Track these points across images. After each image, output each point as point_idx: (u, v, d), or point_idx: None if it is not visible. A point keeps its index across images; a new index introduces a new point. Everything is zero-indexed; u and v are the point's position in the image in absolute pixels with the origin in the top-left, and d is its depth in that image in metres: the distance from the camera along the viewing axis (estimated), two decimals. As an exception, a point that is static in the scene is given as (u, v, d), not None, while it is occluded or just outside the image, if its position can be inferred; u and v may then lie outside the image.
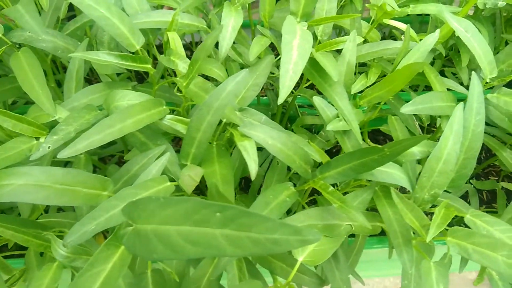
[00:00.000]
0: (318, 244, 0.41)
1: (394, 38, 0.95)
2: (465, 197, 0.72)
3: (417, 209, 0.39)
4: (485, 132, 0.67)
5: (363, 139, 0.86)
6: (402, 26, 0.62)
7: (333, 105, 0.49)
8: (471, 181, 0.72)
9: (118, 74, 0.74)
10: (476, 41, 0.50)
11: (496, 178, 0.79)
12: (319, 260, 0.40)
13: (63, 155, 0.39)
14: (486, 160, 0.79)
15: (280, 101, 0.42)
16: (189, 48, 1.04)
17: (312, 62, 0.52)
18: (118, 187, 0.43)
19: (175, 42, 0.55)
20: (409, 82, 0.64)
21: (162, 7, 0.65)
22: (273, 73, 0.67)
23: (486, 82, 0.53)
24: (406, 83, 0.52)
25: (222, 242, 0.29)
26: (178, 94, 0.47)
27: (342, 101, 0.49)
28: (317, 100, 0.49)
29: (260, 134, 0.43)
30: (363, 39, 0.67)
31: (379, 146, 0.39)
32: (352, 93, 0.58)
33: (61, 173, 0.39)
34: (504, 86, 0.53)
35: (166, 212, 0.30)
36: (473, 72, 0.46)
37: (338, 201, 0.41)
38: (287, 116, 0.75)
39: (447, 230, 0.42)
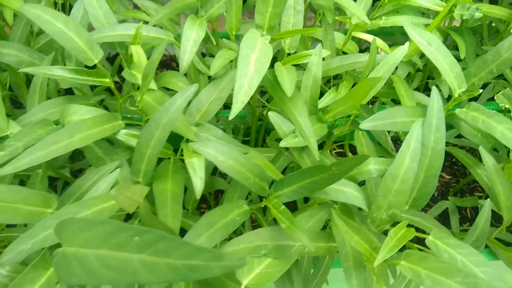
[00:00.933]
0: (266, 266, 0.39)
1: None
2: (446, 215, 0.70)
3: (364, 231, 0.37)
4: (461, 147, 0.65)
5: (345, 153, 0.84)
6: (371, 38, 0.60)
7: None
8: (449, 198, 0.69)
9: (95, 87, 0.74)
10: (440, 54, 0.48)
11: (482, 194, 0.76)
12: (266, 283, 0.38)
13: (4, 171, 0.39)
14: (470, 175, 0.76)
15: (231, 116, 0.41)
16: (175, 60, 1.04)
17: (275, 76, 0.51)
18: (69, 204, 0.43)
19: (139, 55, 0.54)
20: (382, 95, 0.62)
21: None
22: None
23: (458, 96, 0.51)
24: (365, 98, 0.50)
25: (138, 267, 0.28)
26: (132, 108, 0.47)
27: (301, 116, 0.47)
28: (272, 115, 0.47)
29: (210, 151, 0.42)
30: (334, 52, 0.66)
31: (327, 165, 0.38)
32: (319, 107, 0.56)
33: (3, 190, 0.39)
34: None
35: (86, 234, 0.29)
36: (433, 86, 0.44)
37: (287, 220, 0.39)
38: (263, 129, 0.73)
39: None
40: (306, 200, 0.70)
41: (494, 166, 0.43)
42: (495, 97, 0.60)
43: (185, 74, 0.67)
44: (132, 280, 0.28)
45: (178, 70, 0.55)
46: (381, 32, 0.88)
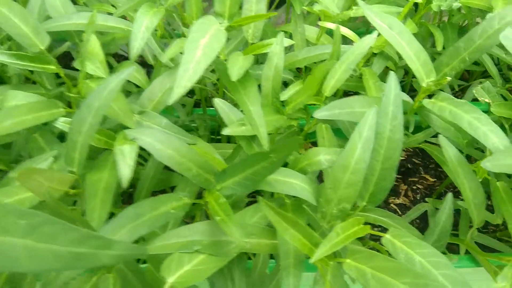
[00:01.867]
0: (198, 263, 0.36)
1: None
2: (425, 217, 0.65)
3: (302, 225, 0.33)
4: (434, 144, 0.61)
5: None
6: (344, 30, 0.57)
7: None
8: (426, 199, 0.65)
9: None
10: (404, 39, 0.45)
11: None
12: (195, 280, 0.34)
13: None
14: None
15: (170, 101, 0.38)
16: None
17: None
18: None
19: (93, 44, 0.52)
20: (352, 88, 0.59)
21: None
22: (209, 78, 0.64)
23: (427, 86, 0.47)
24: (324, 87, 0.47)
25: (20, 253, 0.25)
26: (72, 94, 0.44)
27: (253, 105, 0.44)
28: (218, 102, 0.44)
29: (146, 138, 0.39)
30: (305, 44, 0.63)
31: (266, 151, 0.34)
32: (282, 99, 0.53)
33: None
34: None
35: (-29, 217, 0.26)
36: (390, 72, 0.40)
37: (222, 213, 0.36)
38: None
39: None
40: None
41: (456, 158, 0.39)
42: (474, 92, 0.56)
43: (151, 67, 0.65)
44: (12, 266, 0.24)
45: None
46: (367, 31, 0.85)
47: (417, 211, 0.63)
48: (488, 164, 0.35)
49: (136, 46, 0.49)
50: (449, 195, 0.40)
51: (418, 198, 0.71)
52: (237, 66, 0.43)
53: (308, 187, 0.39)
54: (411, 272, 0.32)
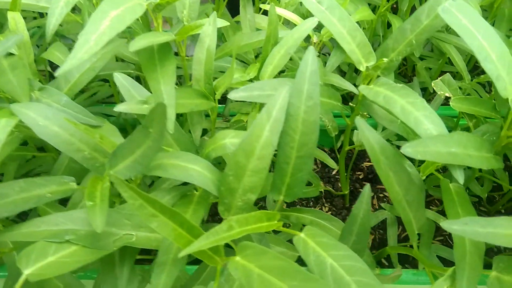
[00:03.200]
0: (67, 254, 0.31)
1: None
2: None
3: (180, 216, 0.28)
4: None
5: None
6: (288, 14, 0.53)
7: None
8: (382, 205, 0.58)
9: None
10: (335, 15, 0.40)
11: (440, 208, 0.65)
12: (56, 273, 0.29)
13: None
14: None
15: (57, 73, 0.34)
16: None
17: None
18: None
19: (16, 22, 0.49)
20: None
21: None
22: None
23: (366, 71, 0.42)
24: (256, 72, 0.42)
25: None
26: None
27: (167, 85, 0.40)
28: (118, 77, 0.40)
29: (30, 113, 0.35)
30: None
31: (144, 125, 0.30)
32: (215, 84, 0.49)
33: None
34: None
35: None
36: (309, 46, 0.35)
37: (98, 199, 0.31)
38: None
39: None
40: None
41: (379, 145, 0.33)
42: (432, 84, 0.50)
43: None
44: None
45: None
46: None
47: (375, 219, 0.57)
48: (409, 149, 0.30)
49: (53, 23, 0.45)
50: (367, 187, 0.34)
51: (383, 207, 0.64)
52: (145, 40, 0.39)
53: (209, 174, 0.34)
54: (300, 274, 0.27)
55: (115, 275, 0.35)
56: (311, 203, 0.67)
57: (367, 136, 0.33)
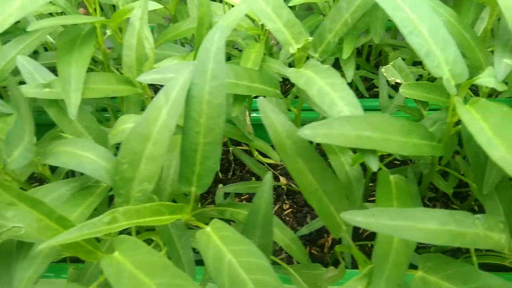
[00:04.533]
0: None
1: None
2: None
3: (44, 204, 0.25)
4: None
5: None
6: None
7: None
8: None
9: None
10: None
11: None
12: None
13: None
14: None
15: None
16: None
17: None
18: None
19: None
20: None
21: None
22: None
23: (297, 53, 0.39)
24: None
25: None
26: None
27: (78, 68, 0.37)
28: (20, 59, 0.37)
29: None
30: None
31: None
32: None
33: None
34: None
35: None
36: (218, 23, 0.32)
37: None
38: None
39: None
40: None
41: (284, 127, 0.29)
42: (382, 70, 0.46)
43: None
44: None
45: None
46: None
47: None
48: (307, 131, 0.26)
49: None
50: (268, 174, 0.31)
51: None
52: (48, 22, 0.36)
53: (104, 162, 0.31)
54: (170, 270, 0.24)
55: (10, 271, 0.32)
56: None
57: (270, 119, 0.29)
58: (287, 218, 0.61)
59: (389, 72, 0.46)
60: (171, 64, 0.36)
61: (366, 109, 0.68)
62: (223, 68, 0.31)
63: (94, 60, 0.68)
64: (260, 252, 0.28)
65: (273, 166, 0.70)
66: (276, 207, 0.63)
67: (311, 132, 0.26)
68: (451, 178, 0.55)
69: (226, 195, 0.57)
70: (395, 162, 0.68)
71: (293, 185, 0.67)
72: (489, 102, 0.31)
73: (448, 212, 0.28)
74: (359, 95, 0.73)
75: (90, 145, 0.32)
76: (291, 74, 0.37)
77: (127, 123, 0.34)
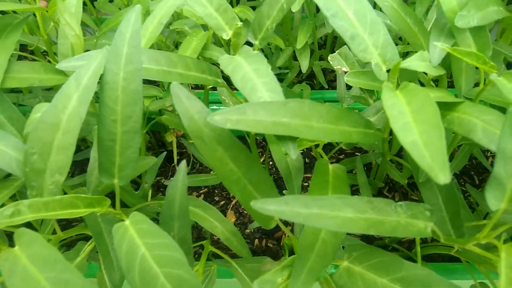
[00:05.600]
0: None
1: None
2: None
3: None
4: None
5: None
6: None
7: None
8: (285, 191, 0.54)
9: None
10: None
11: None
12: None
13: None
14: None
15: None
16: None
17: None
18: None
19: None
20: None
21: None
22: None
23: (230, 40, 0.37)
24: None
25: None
26: None
27: (2, 55, 0.35)
28: None
29: None
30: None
31: None
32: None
33: None
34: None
35: None
36: (136, 5, 0.31)
37: None
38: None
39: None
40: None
41: (200, 113, 0.28)
42: (329, 59, 0.45)
43: None
44: None
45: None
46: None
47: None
48: (217, 117, 0.25)
49: None
50: (182, 163, 0.29)
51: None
52: None
53: (14, 153, 0.30)
54: (59, 264, 0.22)
55: None
56: (216, 191, 0.62)
57: (184, 105, 0.28)
58: (244, 212, 0.60)
59: (335, 61, 0.45)
60: (93, 51, 0.35)
61: (326, 101, 0.68)
62: (138, 52, 0.29)
63: (43, 53, 0.66)
64: (176, 245, 0.27)
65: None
66: (234, 201, 0.62)
67: (222, 117, 0.25)
68: (405, 168, 0.55)
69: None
70: (357, 154, 0.68)
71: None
72: (418, 87, 0.30)
73: (367, 200, 0.27)
74: (320, 87, 0.72)
75: (1, 135, 0.30)
76: (221, 61, 0.35)
77: (40, 112, 0.32)
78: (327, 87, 0.69)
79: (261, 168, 0.31)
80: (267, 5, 0.39)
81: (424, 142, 0.23)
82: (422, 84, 0.53)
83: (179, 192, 0.29)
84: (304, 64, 0.56)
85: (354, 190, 0.61)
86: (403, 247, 0.52)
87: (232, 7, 0.61)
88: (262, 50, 0.72)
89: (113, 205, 0.32)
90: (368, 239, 0.55)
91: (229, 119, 0.25)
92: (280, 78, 0.74)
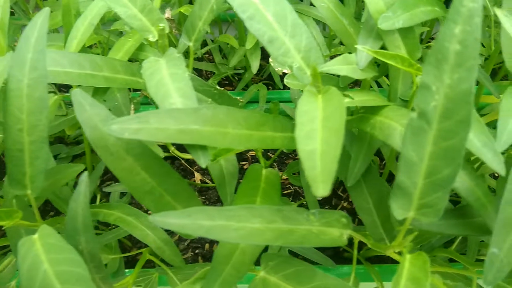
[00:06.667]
0: None
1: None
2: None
3: None
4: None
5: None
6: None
7: None
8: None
9: None
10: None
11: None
12: None
13: None
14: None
15: None
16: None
17: None
18: None
19: None
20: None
21: None
22: None
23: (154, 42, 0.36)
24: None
25: None
26: None
27: None
28: None
29: None
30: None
31: None
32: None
33: None
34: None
35: None
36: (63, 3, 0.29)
37: None
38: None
39: None
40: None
41: (102, 119, 0.26)
42: (270, 60, 0.44)
43: None
44: None
45: None
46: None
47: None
48: (115, 126, 0.24)
49: None
50: (83, 175, 0.28)
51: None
52: None
53: None
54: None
55: None
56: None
57: (87, 113, 0.27)
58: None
59: (276, 62, 0.44)
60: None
61: (284, 101, 0.67)
62: (43, 58, 0.28)
63: None
64: (80, 260, 0.26)
65: (191, 162, 0.68)
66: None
67: (119, 127, 0.24)
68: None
69: (123, 194, 0.54)
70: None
71: (208, 181, 0.65)
72: (336, 91, 0.29)
73: (277, 209, 0.26)
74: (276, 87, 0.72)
75: None
76: (145, 64, 0.34)
77: None
78: (282, 87, 0.68)
79: (179, 177, 0.30)
80: (198, 6, 0.38)
81: (322, 150, 0.22)
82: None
83: (81, 207, 0.27)
84: (255, 64, 0.55)
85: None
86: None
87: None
88: (220, 48, 0.71)
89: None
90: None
91: (128, 128, 0.24)
92: (238, 78, 0.73)
